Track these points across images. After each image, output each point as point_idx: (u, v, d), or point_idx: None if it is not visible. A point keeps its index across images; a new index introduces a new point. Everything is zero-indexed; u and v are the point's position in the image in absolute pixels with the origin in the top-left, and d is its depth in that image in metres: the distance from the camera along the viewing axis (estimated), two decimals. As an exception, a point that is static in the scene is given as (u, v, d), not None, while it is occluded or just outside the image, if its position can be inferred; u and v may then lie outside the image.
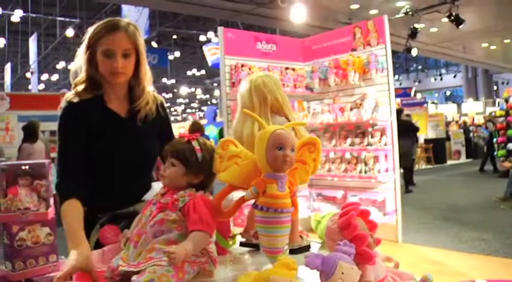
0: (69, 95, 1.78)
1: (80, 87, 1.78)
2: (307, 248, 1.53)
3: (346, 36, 6.07)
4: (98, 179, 1.74)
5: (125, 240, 1.35)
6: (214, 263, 1.29)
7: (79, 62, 1.79)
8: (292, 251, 1.44)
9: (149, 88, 1.87)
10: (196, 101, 39.37)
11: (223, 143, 1.30)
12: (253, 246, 1.56)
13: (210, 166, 1.34)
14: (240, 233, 1.60)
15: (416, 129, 10.46)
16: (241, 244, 1.60)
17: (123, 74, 1.74)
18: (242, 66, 5.52)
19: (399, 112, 9.64)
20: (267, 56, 6.03)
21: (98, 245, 1.61)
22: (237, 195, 1.32)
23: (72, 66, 1.85)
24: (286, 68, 5.97)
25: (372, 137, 5.67)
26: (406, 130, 9.65)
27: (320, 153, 1.26)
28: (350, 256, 1.14)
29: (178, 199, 1.28)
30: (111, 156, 1.75)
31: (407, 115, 10.48)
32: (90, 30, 1.74)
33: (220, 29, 5.63)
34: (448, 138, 17.12)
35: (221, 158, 1.28)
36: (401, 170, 9.33)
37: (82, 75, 1.78)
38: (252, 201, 1.31)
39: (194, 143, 1.36)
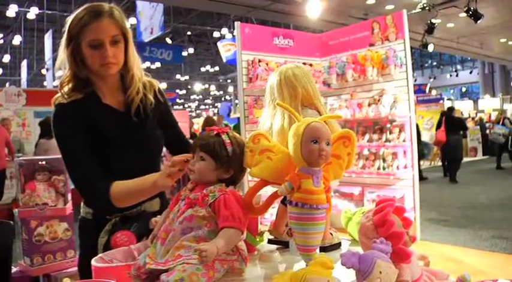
0: (58, 98, 1.63)
1: (67, 88, 1.64)
2: (338, 245, 1.49)
3: (364, 31, 5.99)
4: (104, 178, 1.61)
5: (152, 237, 1.31)
6: (245, 261, 1.24)
7: (62, 58, 1.62)
8: (323, 249, 1.40)
9: (140, 74, 1.73)
10: (210, 98, 39.44)
11: (254, 136, 1.24)
12: (282, 244, 1.51)
13: (240, 160, 1.29)
14: (268, 230, 1.56)
15: (466, 127, 11.69)
16: (270, 241, 1.55)
17: (115, 64, 1.61)
18: (259, 61, 5.48)
19: (451, 109, 11.04)
20: (284, 51, 5.97)
21: (106, 248, 1.54)
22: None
23: (56, 65, 1.69)
24: (304, 64, 5.90)
25: (390, 133, 5.59)
26: (458, 126, 10.70)
27: (355, 148, 1.21)
28: (387, 254, 1.10)
29: (208, 194, 1.22)
30: (115, 153, 1.64)
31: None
32: (69, 21, 1.57)
33: (237, 24, 5.58)
34: (464, 135, 16.90)
35: (252, 152, 1.22)
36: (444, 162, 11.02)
37: (67, 74, 1.64)
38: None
39: (224, 137, 1.30)
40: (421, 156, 11.25)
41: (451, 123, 10.66)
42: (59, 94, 1.64)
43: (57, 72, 1.77)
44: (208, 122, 8.75)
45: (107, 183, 1.54)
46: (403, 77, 5.52)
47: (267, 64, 5.52)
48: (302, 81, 1.81)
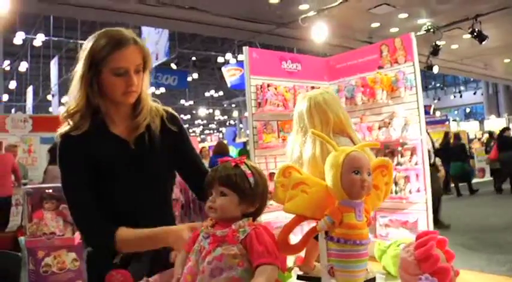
0: (65, 129, 1.56)
1: (77, 117, 1.56)
2: (372, 280, 1.41)
3: (372, 54, 5.94)
4: (112, 214, 1.54)
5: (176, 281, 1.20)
6: None
7: (76, 88, 1.55)
8: (359, 285, 1.31)
9: (149, 100, 1.67)
10: (215, 122, 39.55)
11: (284, 170, 1.15)
12: (312, 280, 1.42)
13: (263, 191, 1.21)
14: (298, 266, 1.47)
15: None
16: (299, 277, 1.46)
17: (135, 93, 1.56)
18: (268, 86, 5.44)
19: (505, 130, 12.40)
20: (292, 75, 5.93)
21: None
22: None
23: (70, 94, 1.59)
24: (312, 87, 5.86)
25: (401, 156, 5.50)
26: (511, 145, 11.82)
27: (392, 177, 1.15)
28: (433, 292, 1.02)
29: (237, 230, 1.13)
30: (121, 185, 1.56)
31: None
32: (90, 47, 1.51)
33: (245, 48, 5.56)
34: (471, 156, 16.77)
35: (284, 186, 1.13)
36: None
37: (77, 102, 1.56)
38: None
39: (243, 167, 1.20)
40: (471, 175, 13.03)
41: (506, 142, 11.98)
42: (66, 127, 1.57)
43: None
44: (221, 147, 8.66)
45: (111, 227, 1.48)
46: (413, 99, 5.46)
47: (275, 88, 5.48)
48: (333, 107, 1.73)
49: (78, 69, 1.54)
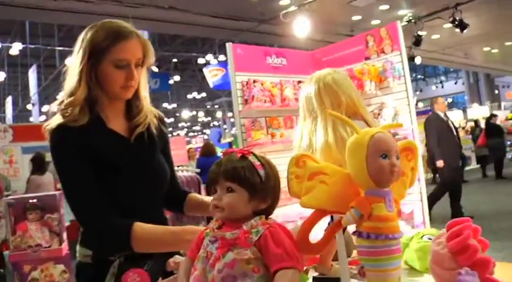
0: (60, 121, 1.44)
1: (76, 110, 1.44)
2: (396, 278, 1.28)
3: (358, 45, 5.86)
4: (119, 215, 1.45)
5: None
6: None
7: (74, 80, 1.46)
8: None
9: (148, 101, 1.64)
10: (199, 124, 39.37)
11: (297, 159, 1.00)
12: (331, 281, 1.28)
13: (275, 185, 1.06)
14: (313, 266, 1.32)
15: (503, 132, 13.52)
16: (315, 279, 1.31)
17: (133, 88, 1.52)
18: (254, 82, 5.31)
19: (492, 116, 12.89)
20: (277, 70, 5.81)
21: None
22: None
23: (66, 87, 1.50)
24: (299, 82, 5.75)
25: (393, 147, 5.42)
26: (497, 131, 12.45)
27: (418, 161, 1.02)
28: (475, 287, 0.90)
29: (249, 231, 0.97)
30: (119, 181, 1.47)
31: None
32: (88, 37, 1.45)
33: (228, 44, 5.42)
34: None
35: (298, 178, 0.98)
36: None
37: (77, 95, 1.45)
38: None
39: (252, 158, 1.04)
40: (465, 163, 13.13)
41: (493, 128, 12.49)
42: (61, 120, 1.45)
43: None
44: (208, 148, 8.50)
45: (127, 221, 1.38)
46: (403, 89, 5.37)
47: (262, 84, 5.35)
48: (344, 88, 1.59)
49: (76, 61, 1.47)
